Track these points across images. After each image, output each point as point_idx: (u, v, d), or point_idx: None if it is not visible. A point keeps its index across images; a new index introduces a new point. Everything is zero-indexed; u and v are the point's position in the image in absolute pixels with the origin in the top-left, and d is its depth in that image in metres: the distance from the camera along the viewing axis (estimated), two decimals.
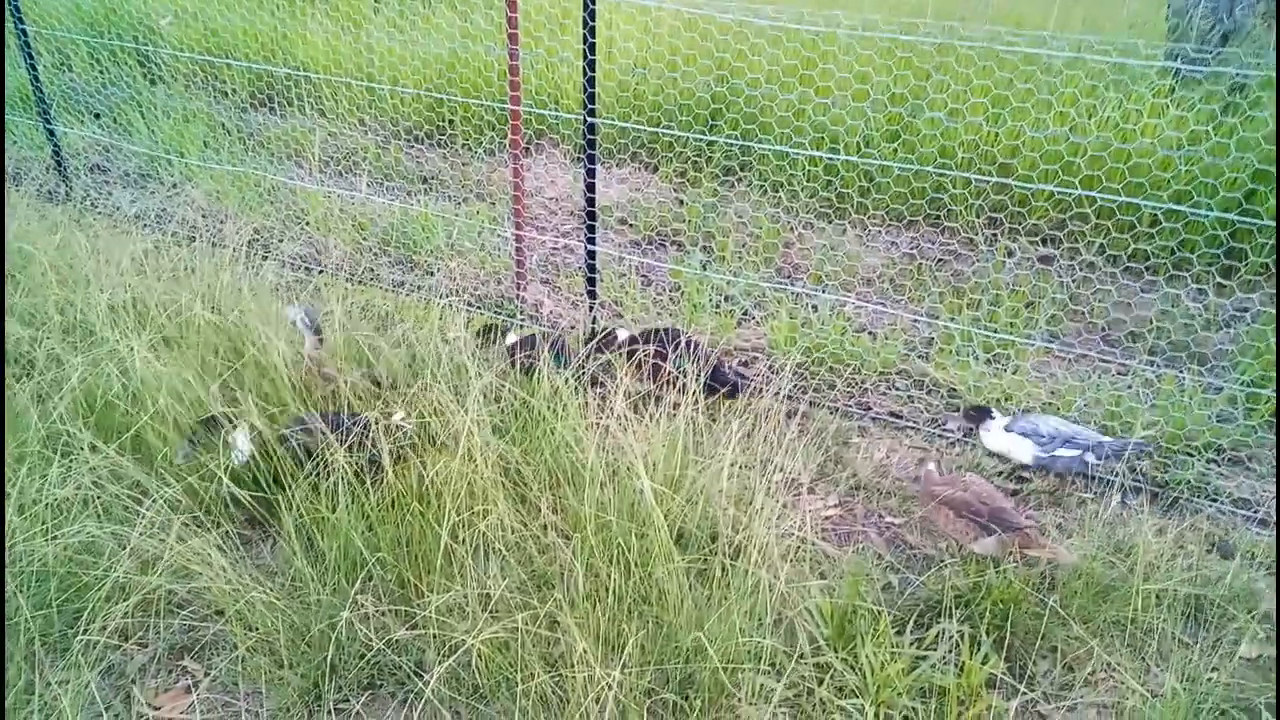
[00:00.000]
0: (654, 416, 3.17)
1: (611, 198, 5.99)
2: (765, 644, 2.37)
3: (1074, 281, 4.92)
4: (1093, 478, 3.60)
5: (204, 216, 5.72)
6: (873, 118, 5.65)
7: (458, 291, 4.82)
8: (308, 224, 5.49)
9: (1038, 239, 5.09)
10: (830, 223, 5.59)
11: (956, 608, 2.81)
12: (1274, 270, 4.83)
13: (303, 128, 6.64)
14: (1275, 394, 3.88)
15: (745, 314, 4.78)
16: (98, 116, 6.95)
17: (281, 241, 5.41)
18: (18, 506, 2.51)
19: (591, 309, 4.54)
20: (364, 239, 5.38)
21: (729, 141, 5.88)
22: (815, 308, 4.70)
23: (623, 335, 4.09)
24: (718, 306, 4.77)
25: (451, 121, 6.60)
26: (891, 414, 4.02)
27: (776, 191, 5.81)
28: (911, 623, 2.71)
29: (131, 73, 7.40)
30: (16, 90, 6.74)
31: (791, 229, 5.53)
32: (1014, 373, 4.21)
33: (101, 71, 7.38)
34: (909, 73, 5.53)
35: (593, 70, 4.16)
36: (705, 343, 4.18)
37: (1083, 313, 4.72)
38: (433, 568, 2.57)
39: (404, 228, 5.39)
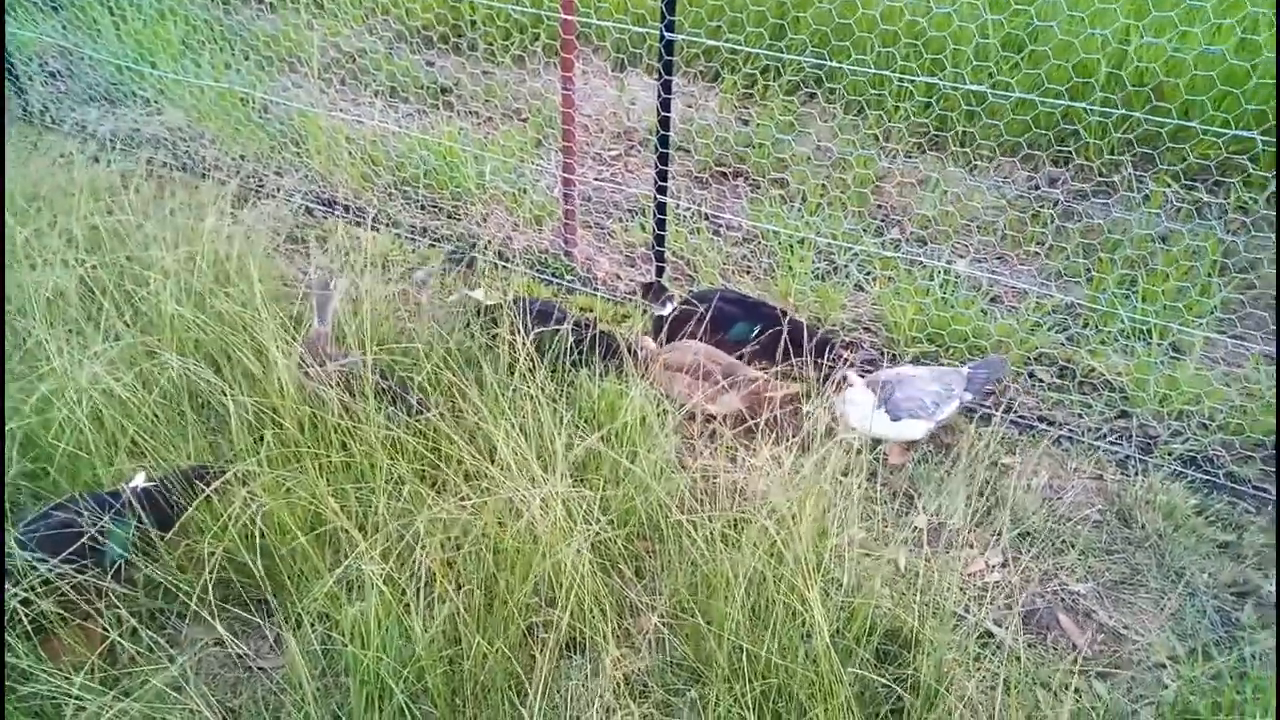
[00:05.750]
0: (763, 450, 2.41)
1: None
2: None
3: (1231, 233, 4.03)
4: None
5: (183, 139, 4.80)
6: (989, 24, 4.62)
7: (488, 244, 3.96)
8: (306, 150, 4.57)
9: (1207, 183, 4.18)
10: (925, 154, 4.62)
11: None
12: None
13: (297, 28, 5.60)
14: (1275, 385, 3.15)
15: (847, 278, 3.91)
16: (57, 9, 5.89)
17: (279, 174, 4.52)
18: None
19: (660, 273, 3.71)
20: (376, 172, 4.48)
21: (800, 58, 4.87)
22: (922, 264, 3.83)
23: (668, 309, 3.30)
24: (817, 273, 3.90)
25: (473, 23, 5.56)
26: (1041, 419, 3.22)
27: (861, 113, 4.85)
28: None
29: None
30: None
31: (881, 160, 4.60)
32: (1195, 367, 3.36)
33: None
34: None
35: None
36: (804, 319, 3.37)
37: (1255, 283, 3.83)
38: None
39: (419, 154, 4.46)
